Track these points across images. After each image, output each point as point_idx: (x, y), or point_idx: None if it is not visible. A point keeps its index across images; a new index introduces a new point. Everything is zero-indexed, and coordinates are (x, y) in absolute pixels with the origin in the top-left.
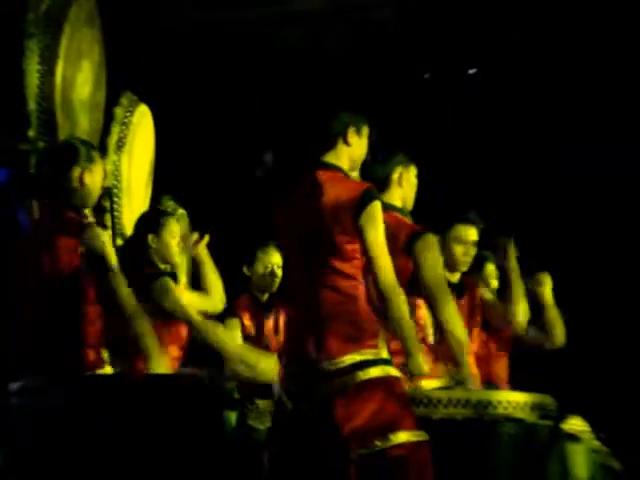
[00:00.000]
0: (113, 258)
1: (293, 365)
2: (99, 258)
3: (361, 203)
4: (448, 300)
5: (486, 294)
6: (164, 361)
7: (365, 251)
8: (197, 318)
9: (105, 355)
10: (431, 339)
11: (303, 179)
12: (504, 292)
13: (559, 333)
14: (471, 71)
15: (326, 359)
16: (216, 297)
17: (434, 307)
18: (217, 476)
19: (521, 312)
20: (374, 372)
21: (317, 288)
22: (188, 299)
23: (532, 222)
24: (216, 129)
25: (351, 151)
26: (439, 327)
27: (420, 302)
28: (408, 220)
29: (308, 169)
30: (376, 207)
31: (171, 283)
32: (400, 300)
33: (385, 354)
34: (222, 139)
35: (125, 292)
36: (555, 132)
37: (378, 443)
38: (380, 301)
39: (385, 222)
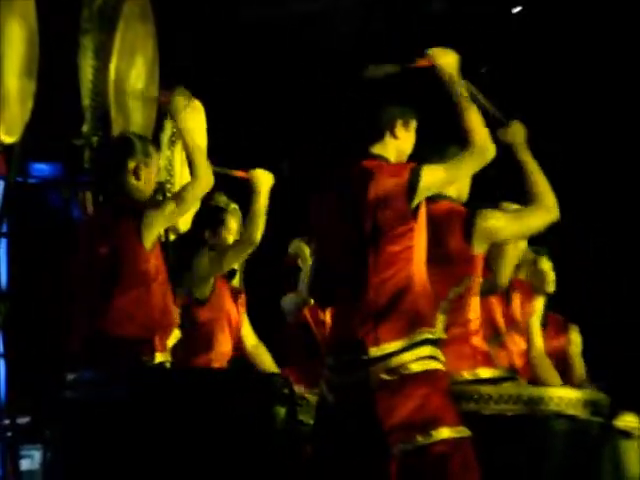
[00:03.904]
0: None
1: (337, 356)
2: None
3: (411, 185)
4: None
5: None
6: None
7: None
8: None
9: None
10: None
11: (348, 170)
12: None
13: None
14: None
15: (378, 344)
16: None
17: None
18: (267, 470)
19: None
20: (417, 367)
21: (369, 276)
22: None
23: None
24: (267, 123)
25: (398, 144)
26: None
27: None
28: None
29: (354, 160)
30: (425, 173)
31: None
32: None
33: (441, 333)
34: (272, 134)
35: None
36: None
37: (419, 439)
38: None
39: (435, 211)
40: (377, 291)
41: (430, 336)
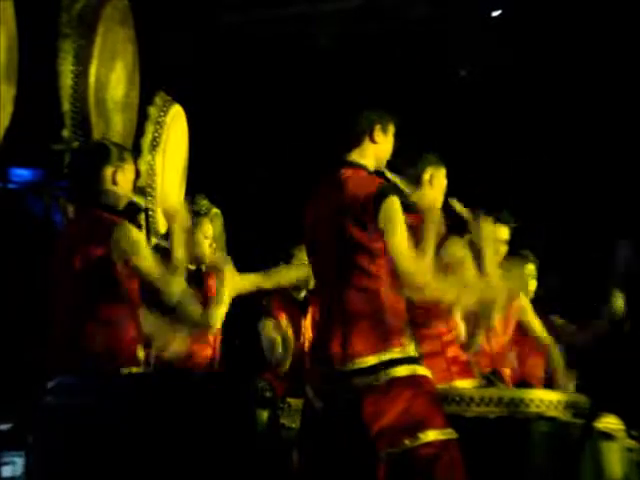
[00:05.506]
0: (146, 252)
1: (320, 365)
2: (126, 252)
3: (376, 202)
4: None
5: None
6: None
7: (388, 250)
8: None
9: (140, 354)
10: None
11: (328, 178)
12: None
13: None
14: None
15: (350, 359)
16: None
17: None
18: (248, 473)
19: None
20: (401, 371)
21: (341, 287)
22: None
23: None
24: (248, 129)
25: (377, 149)
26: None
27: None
28: None
29: (333, 167)
30: (390, 203)
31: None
32: (430, 284)
33: (413, 352)
34: (253, 138)
35: (154, 271)
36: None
37: (407, 442)
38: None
39: (412, 224)
40: (348, 305)
41: (400, 355)
